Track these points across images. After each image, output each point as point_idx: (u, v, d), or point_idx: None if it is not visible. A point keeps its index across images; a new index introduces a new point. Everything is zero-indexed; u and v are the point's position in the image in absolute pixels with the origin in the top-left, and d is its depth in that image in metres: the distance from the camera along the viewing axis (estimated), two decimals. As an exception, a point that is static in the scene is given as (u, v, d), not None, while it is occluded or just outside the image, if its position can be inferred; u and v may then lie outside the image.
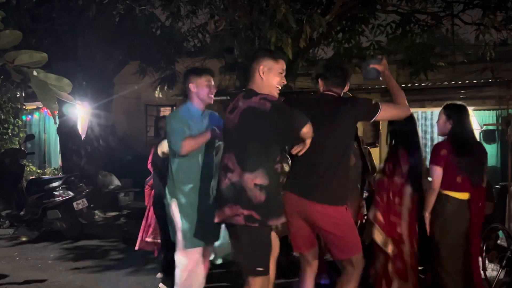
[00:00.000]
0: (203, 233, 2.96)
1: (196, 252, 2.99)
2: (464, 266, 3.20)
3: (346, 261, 2.73)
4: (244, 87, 7.58)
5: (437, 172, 3.14)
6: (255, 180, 2.47)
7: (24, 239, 6.24)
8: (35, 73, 1.67)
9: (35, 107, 11.23)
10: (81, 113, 9.08)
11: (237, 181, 2.48)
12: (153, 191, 4.30)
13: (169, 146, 3.01)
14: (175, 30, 8.60)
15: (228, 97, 7.87)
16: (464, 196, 3.17)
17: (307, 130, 2.43)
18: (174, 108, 11.22)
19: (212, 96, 3.10)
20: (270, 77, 2.61)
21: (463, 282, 3.18)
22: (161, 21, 8.48)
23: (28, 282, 4.33)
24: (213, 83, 3.12)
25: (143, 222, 4.60)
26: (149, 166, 4.51)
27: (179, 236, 2.96)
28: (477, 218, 3.23)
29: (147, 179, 4.71)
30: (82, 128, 9.01)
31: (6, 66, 1.65)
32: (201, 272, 3.07)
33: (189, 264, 2.98)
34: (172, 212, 3.00)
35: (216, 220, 2.58)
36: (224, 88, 9.47)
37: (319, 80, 2.95)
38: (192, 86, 3.05)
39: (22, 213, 6.44)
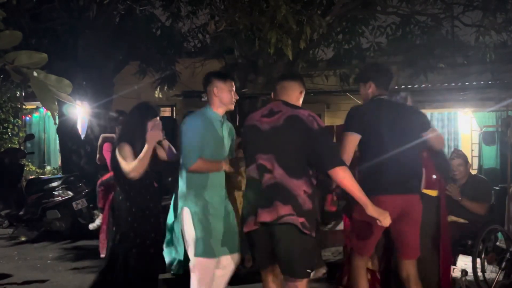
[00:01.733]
0: (219, 243, 2.92)
1: (213, 262, 2.92)
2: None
3: (413, 263, 2.92)
4: (243, 88, 7.62)
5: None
6: (303, 188, 2.52)
7: (23, 238, 6.24)
8: (35, 73, 1.67)
9: (34, 106, 11.24)
10: (81, 113, 9.09)
11: (282, 183, 2.51)
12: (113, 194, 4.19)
13: (182, 155, 2.89)
14: (175, 31, 8.60)
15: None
16: (434, 193, 3.42)
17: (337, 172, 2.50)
18: (174, 108, 11.23)
19: (234, 102, 3.05)
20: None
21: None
22: (162, 22, 8.49)
23: (28, 282, 4.33)
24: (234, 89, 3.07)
25: (103, 227, 4.32)
26: (100, 163, 4.39)
27: (192, 245, 2.87)
28: (445, 214, 3.53)
29: (102, 181, 4.41)
30: (81, 128, 9.02)
31: (6, 67, 1.65)
32: (221, 283, 3.02)
33: (205, 275, 2.90)
34: (183, 220, 2.92)
35: (265, 219, 2.50)
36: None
37: (371, 83, 3.00)
38: (215, 90, 2.94)
39: (21, 212, 6.44)
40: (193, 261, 2.88)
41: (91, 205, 6.43)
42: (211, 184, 2.94)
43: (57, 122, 7.47)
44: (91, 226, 4.57)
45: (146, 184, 3.18)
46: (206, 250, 2.86)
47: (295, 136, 2.56)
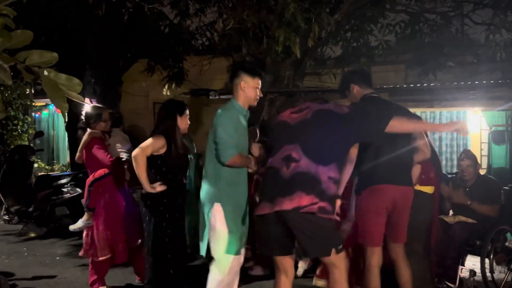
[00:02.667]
0: (244, 238, 2.99)
1: (239, 259, 2.96)
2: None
3: (402, 246, 3.13)
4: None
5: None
6: (329, 173, 2.60)
7: (32, 235, 6.31)
8: (45, 72, 1.68)
9: (44, 104, 11.32)
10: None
11: (308, 171, 2.58)
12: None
13: (217, 148, 2.88)
14: (183, 28, 8.61)
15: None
16: (431, 189, 3.59)
17: (393, 124, 2.70)
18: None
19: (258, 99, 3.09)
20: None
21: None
22: (170, 19, 8.50)
23: (37, 278, 4.37)
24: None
25: (96, 230, 3.96)
26: (80, 161, 4.15)
27: (223, 243, 2.87)
28: (437, 210, 3.76)
29: (94, 178, 4.06)
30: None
31: (17, 66, 1.67)
32: (236, 280, 3.06)
33: (231, 272, 2.92)
34: (214, 217, 2.91)
35: (286, 207, 2.53)
36: (231, 87, 9.49)
37: (353, 85, 3.17)
38: (242, 84, 2.96)
39: (30, 209, 6.50)
40: (224, 259, 2.87)
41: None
42: (239, 180, 2.98)
43: (67, 120, 7.50)
44: (73, 227, 4.12)
45: (178, 178, 3.31)
46: (238, 248, 2.91)
47: (324, 125, 2.69)
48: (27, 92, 9.77)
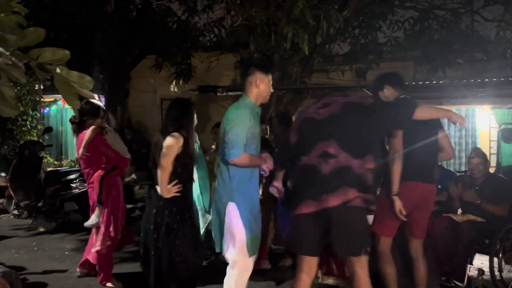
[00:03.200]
0: (259, 237, 2.99)
1: (255, 258, 2.97)
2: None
3: (421, 242, 3.31)
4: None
5: None
6: (367, 165, 2.66)
7: (42, 229, 6.37)
8: (58, 70, 1.69)
9: (53, 99, 11.38)
10: (98, 106, 9.18)
11: (347, 165, 2.62)
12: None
13: (225, 146, 2.87)
14: (191, 25, 8.62)
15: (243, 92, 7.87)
16: None
17: (419, 110, 3.00)
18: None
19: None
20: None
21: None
22: (178, 16, 8.51)
23: (46, 272, 4.42)
24: None
25: (104, 219, 4.06)
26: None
27: (241, 242, 2.86)
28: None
29: (105, 172, 4.09)
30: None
31: (30, 63, 1.68)
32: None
33: (248, 272, 2.92)
34: (229, 217, 2.89)
35: (333, 203, 2.57)
36: (239, 84, 9.49)
37: (387, 86, 3.32)
38: (257, 81, 2.95)
39: (40, 204, 6.57)
40: (242, 259, 2.86)
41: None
42: (251, 179, 2.96)
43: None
44: (88, 224, 4.11)
45: (191, 178, 3.30)
46: (255, 248, 2.91)
47: (356, 117, 2.72)
48: (36, 88, 9.83)
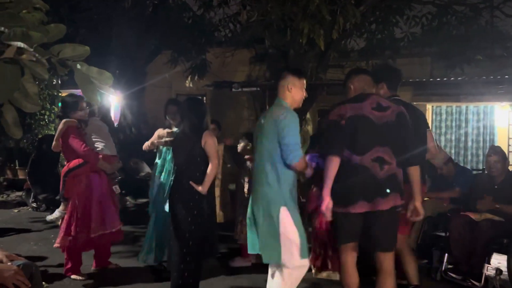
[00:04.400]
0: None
1: (307, 261, 2.97)
2: None
3: (403, 237, 3.36)
4: (273, 78, 7.59)
5: None
6: (401, 171, 2.91)
7: (59, 223, 6.46)
8: (78, 66, 1.72)
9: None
10: (114, 101, 9.28)
11: (396, 173, 2.86)
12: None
13: (284, 150, 2.86)
14: (206, 20, 8.64)
15: (258, 88, 7.87)
16: None
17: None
18: (204, 98, 11.30)
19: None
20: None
21: None
22: (193, 11, 8.53)
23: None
24: None
25: (67, 217, 4.02)
26: (56, 150, 4.16)
27: (297, 246, 2.84)
28: None
29: (69, 168, 4.05)
30: (115, 115, 9.20)
31: (51, 59, 1.71)
32: None
33: (302, 275, 2.94)
34: (283, 222, 2.85)
35: (384, 207, 2.78)
36: (254, 79, 9.47)
37: (383, 83, 3.30)
38: (290, 86, 2.99)
39: (57, 197, 6.66)
40: (295, 262, 2.85)
41: (123, 192, 6.59)
42: (295, 183, 3.01)
43: (97, 113, 7.61)
44: (50, 218, 4.12)
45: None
46: (307, 250, 2.93)
47: (404, 130, 2.90)
48: (54, 83, 9.96)
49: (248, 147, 4.56)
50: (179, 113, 4.09)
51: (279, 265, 2.89)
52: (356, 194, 2.81)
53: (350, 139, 2.84)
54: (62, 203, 4.09)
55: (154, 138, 4.31)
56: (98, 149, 4.17)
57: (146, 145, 4.36)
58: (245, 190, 4.52)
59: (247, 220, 3.07)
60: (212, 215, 3.41)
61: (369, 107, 2.86)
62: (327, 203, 2.79)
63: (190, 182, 3.25)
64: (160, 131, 4.30)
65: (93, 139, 4.20)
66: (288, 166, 2.88)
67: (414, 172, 2.94)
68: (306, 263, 2.93)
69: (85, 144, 4.03)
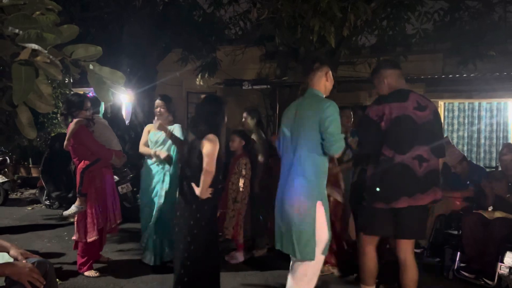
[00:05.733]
0: None
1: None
2: None
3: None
4: (283, 76, 7.55)
5: None
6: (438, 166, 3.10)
7: (72, 220, 6.53)
8: (91, 66, 1.73)
9: (82, 92, 11.62)
10: (125, 100, 9.34)
11: (436, 169, 3.05)
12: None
13: (327, 140, 2.78)
14: (216, 18, 8.64)
15: (268, 86, 7.86)
16: None
17: None
18: (215, 95, 11.33)
19: None
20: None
21: None
22: (203, 9, 8.54)
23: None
24: None
25: (89, 211, 4.16)
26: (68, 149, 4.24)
27: (324, 242, 2.83)
28: None
29: (86, 165, 4.17)
30: (126, 114, 9.27)
31: (64, 60, 1.72)
32: None
33: (319, 271, 2.94)
34: (319, 217, 2.80)
35: (423, 202, 3.00)
36: (264, 77, 9.47)
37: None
38: (327, 75, 3.01)
39: (70, 195, 6.75)
40: (319, 257, 2.83)
41: (134, 189, 6.65)
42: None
43: (110, 112, 7.68)
44: (67, 213, 4.20)
45: (219, 175, 3.27)
46: (328, 247, 2.91)
47: (438, 127, 3.09)
48: (66, 82, 10.05)
49: (242, 145, 4.67)
50: (167, 109, 4.30)
51: (299, 262, 2.87)
52: (398, 190, 2.99)
53: (394, 139, 2.99)
54: (78, 199, 4.19)
55: (145, 135, 4.52)
56: (109, 146, 4.35)
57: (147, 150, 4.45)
58: (241, 184, 4.58)
59: (278, 216, 2.98)
60: (214, 220, 3.27)
61: (412, 106, 3.01)
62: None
63: (192, 184, 3.10)
64: (149, 126, 4.49)
65: (103, 137, 4.35)
66: (324, 158, 2.84)
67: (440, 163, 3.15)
68: (323, 258, 2.92)
69: (98, 142, 4.22)
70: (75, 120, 4.16)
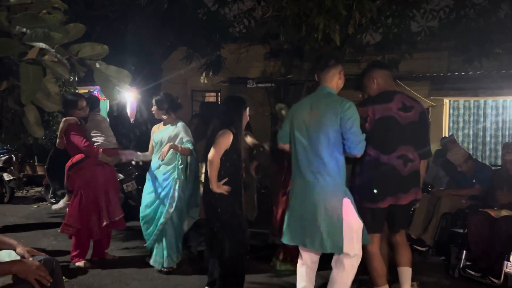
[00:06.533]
0: None
1: None
2: None
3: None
4: (288, 74, 7.55)
5: None
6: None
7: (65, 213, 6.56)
8: (97, 65, 1.74)
9: (86, 91, 11.65)
10: (130, 98, 9.36)
11: (419, 169, 3.12)
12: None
13: (351, 140, 2.85)
14: (221, 16, 8.63)
15: (273, 84, 7.85)
16: None
17: None
18: (219, 94, 11.33)
19: None
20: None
21: None
22: (208, 7, 8.53)
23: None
24: None
25: (71, 208, 4.35)
26: (61, 147, 4.43)
27: (359, 235, 2.91)
28: None
29: (72, 163, 4.37)
30: (131, 112, 9.29)
31: (71, 59, 1.73)
32: None
33: (357, 265, 3.02)
34: (347, 213, 2.88)
35: (405, 202, 3.09)
36: (269, 75, 9.46)
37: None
38: (341, 73, 3.03)
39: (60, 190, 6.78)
40: (356, 251, 2.92)
41: (139, 187, 6.66)
42: None
43: (116, 111, 7.70)
44: (55, 207, 4.58)
45: (241, 172, 3.34)
46: (366, 235, 3.00)
47: (426, 129, 3.16)
48: (71, 80, 10.08)
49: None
50: (157, 107, 4.31)
51: (342, 256, 2.93)
52: (384, 190, 3.04)
53: (378, 139, 3.00)
54: (66, 195, 4.42)
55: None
56: (97, 143, 4.40)
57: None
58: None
59: (291, 212, 3.06)
60: (238, 214, 3.32)
61: (396, 107, 3.04)
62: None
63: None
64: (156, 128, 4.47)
65: (93, 134, 4.43)
66: (343, 157, 2.91)
67: (423, 165, 3.21)
68: (361, 251, 2.97)
69: (85, 140, 4.29)
70: (63, 119, 4.33)
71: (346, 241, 2.87)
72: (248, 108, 3.40)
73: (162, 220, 4.21)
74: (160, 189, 4.24)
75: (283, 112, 4.83)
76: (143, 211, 4.40)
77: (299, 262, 3.14)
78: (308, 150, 2.93)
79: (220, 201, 3.23)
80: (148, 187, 4.38)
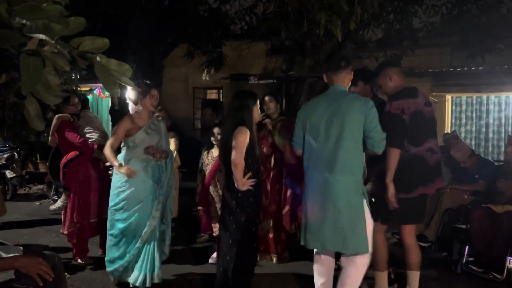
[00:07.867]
0: None
1: None
2: None
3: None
4: (289, 70, 7.52)
5: None
6: None
7: (62, 212, 6.56)
8: (98, 58, 1.73)
9: (88, 88, 11.66)
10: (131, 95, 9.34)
11: (440, 160, 3.26)
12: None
13: (374, 138, 2.91)
14: (222, 13, 8.62)
15: (275, 81, 7.84)
16: None
17: None
18: (221, 91, 11.32)
19: None
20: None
21: None
22: (209, 4, 8.52)
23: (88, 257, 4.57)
24: None
25: (70, 205, 4.27)
26: (53, 144, 4.38)
27: (369, 239, 2.93)
28: None
29: (67, 160, 4.29)
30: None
31: (71, 52, 1.72)
32: None
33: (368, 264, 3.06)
34: (367, 212, 2.95)
35: (432, 191, 3.24)
36: (270, 72, 9.45)
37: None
38: (350, 76, 3.10)
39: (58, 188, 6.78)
40: (370, 248, 2.94)
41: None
42: None
43: (117, 105, 7.67)
44: (53, 207, 4.46)
45: (258, 168, 3.29)
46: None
47: (436, 124, 3.31)
48: (73, 77, 10.09)
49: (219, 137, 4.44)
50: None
51: (355, 255, 2.94)
52: (416, 180, 3.16)
53: (410, 132, 3.08)
54: (63, 193, 4.35)
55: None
56: (92, 139, 4.38)
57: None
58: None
59: (308, 214, 3.04)
60: (254, 213, 3.25)
61: (422, 102, 3.18)
62: (392, 190, 3.04)
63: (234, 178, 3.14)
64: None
65: (86, 131, 4.41)
66: (363, 155, 2.98)
67: None
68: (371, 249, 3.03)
69: (80, 136, 4.24)
70: (56, 116, 4.27)
71: (363, 239, 2.93)
72: (258, 101, 3.33)
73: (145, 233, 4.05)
74: (146, 199, 4.06)
75: (271, 104, 4.55)
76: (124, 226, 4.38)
77: (316, 257, 3.13)
78: (329, 149, 2.90)
79: (245, 195, 3.16)
80: (133, 198, 4.30)
